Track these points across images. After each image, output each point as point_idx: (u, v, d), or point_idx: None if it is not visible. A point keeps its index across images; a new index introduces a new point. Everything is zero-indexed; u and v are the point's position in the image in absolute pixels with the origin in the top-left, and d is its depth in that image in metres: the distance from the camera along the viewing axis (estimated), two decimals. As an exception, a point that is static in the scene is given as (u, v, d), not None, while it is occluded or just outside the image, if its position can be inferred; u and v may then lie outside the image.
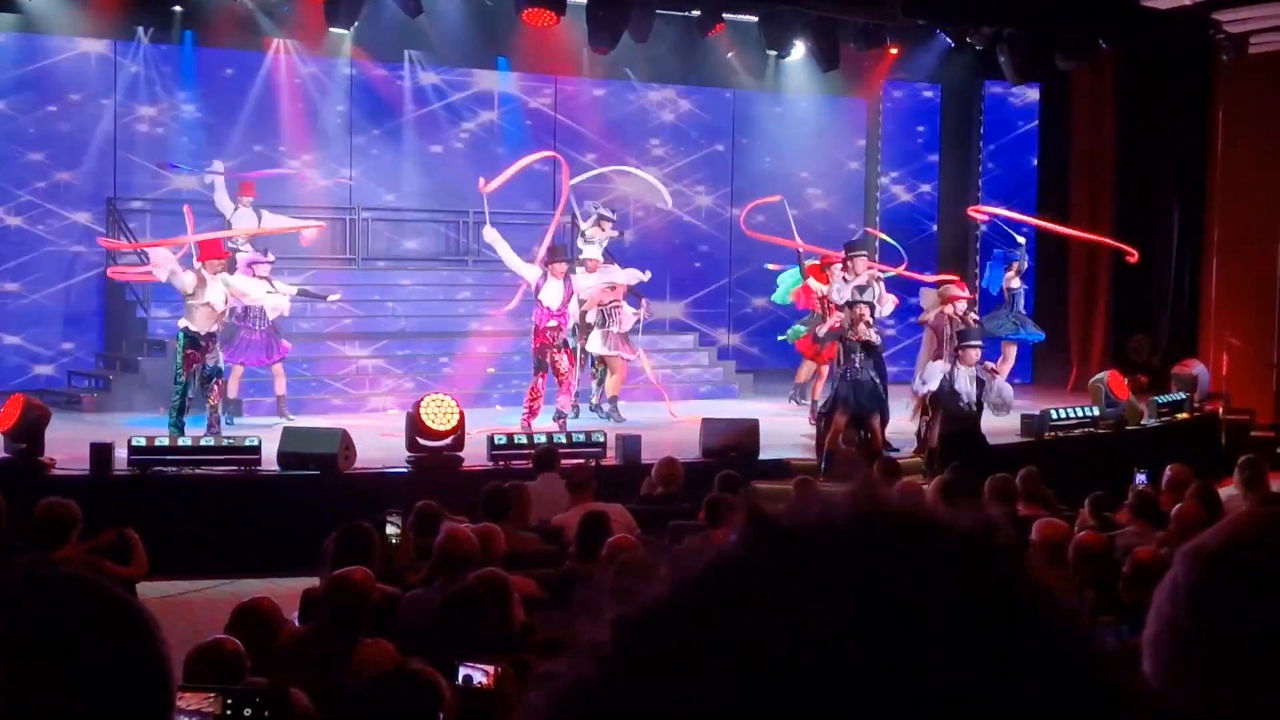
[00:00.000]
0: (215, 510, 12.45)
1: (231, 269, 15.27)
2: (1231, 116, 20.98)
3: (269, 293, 15.53)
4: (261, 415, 15.86)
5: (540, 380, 15.49)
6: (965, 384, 14.31)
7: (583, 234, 17.65)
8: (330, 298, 17.08)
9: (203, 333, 14.11)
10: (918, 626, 0.80)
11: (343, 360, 18.01)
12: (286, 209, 18.13)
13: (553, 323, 15.40)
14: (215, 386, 14.33)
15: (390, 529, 8.84)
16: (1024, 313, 18.83)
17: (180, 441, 12.92)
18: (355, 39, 18.95)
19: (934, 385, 14.14)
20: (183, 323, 14.25)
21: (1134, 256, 18.80)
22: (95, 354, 18.47)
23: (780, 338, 18.64)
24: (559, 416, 15.23)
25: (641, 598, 0.86)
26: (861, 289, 15.48)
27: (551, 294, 15.39)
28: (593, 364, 17.24)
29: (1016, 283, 18.75)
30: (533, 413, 15.23)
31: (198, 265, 14.33)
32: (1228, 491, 11.06)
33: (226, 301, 14.44)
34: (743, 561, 0.86)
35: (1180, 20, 19.13)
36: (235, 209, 17.10)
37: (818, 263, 17.06)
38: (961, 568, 0.83)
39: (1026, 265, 18.98)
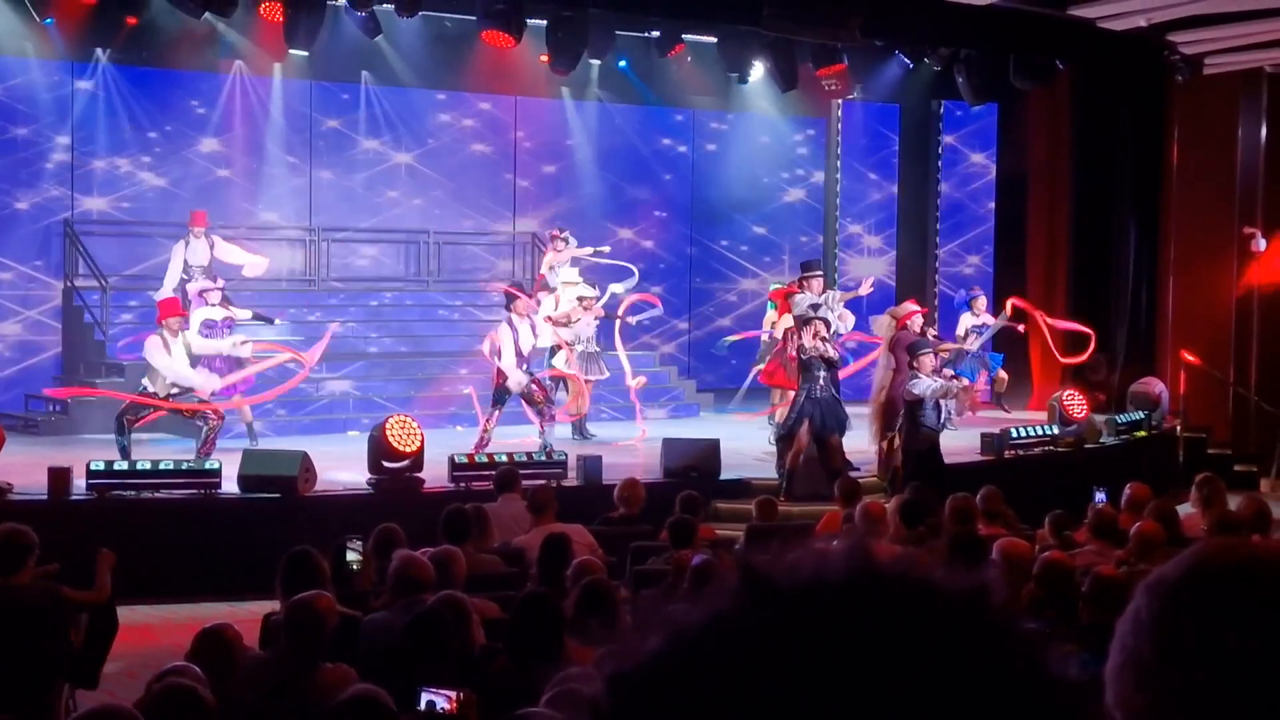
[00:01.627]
0: (175, 534, 12.37)
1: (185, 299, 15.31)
2: (1186, 136, 21.14)
3: (237, 344, 15.37)
4: (228, 439, 15.76)
5: (497, 414, 15.41)
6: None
7: (552, 267, 17.77)
8: (275, 321, 16.98)
9: (160, 394, 14.09)
10: (911, 693, 0.80)
11: (304, 382, 17.95)
12: (244, 230, 18.07)
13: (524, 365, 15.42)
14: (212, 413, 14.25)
15: (351, 554, 8.80)
16: (982, 353, 19.03)
17: (139, 465, 12.84)
18: (314, 60, 18.91)
19: (924, 389, 14.11)
20: (144, 380, 14.23)
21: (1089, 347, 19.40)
22: (53, 377, 18.34)
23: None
24: (547, 448, 15.08)
25: (637, 654, 0.86)
26: (816, 306, 15.51)
27: (525, 337, 15.39)
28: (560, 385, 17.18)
29: (971, 320, 18.90)
30: (483, 444, 15.14)
31: (159, 329, 14.25)
32: (1185, 509, 11.13)
33: (189, 360, 14.31)
34: (738, 621, 0.86)
35: (1136, 42, 19.27)
36: (186, 243, 17.00)
37: (782, 289, 17.06)
38: (956, 633, 0.83)
39: (986, 303, 19.19)
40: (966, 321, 19.04)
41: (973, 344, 18.90)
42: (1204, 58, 19.90)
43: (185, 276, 16.76)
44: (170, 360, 14.11)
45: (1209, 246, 21.02)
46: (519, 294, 15.81)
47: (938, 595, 0.86)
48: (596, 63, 19.52)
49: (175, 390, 14.20)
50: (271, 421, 16.94)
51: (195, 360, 14.52)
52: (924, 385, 14.07)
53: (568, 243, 18.13)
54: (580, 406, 17.23)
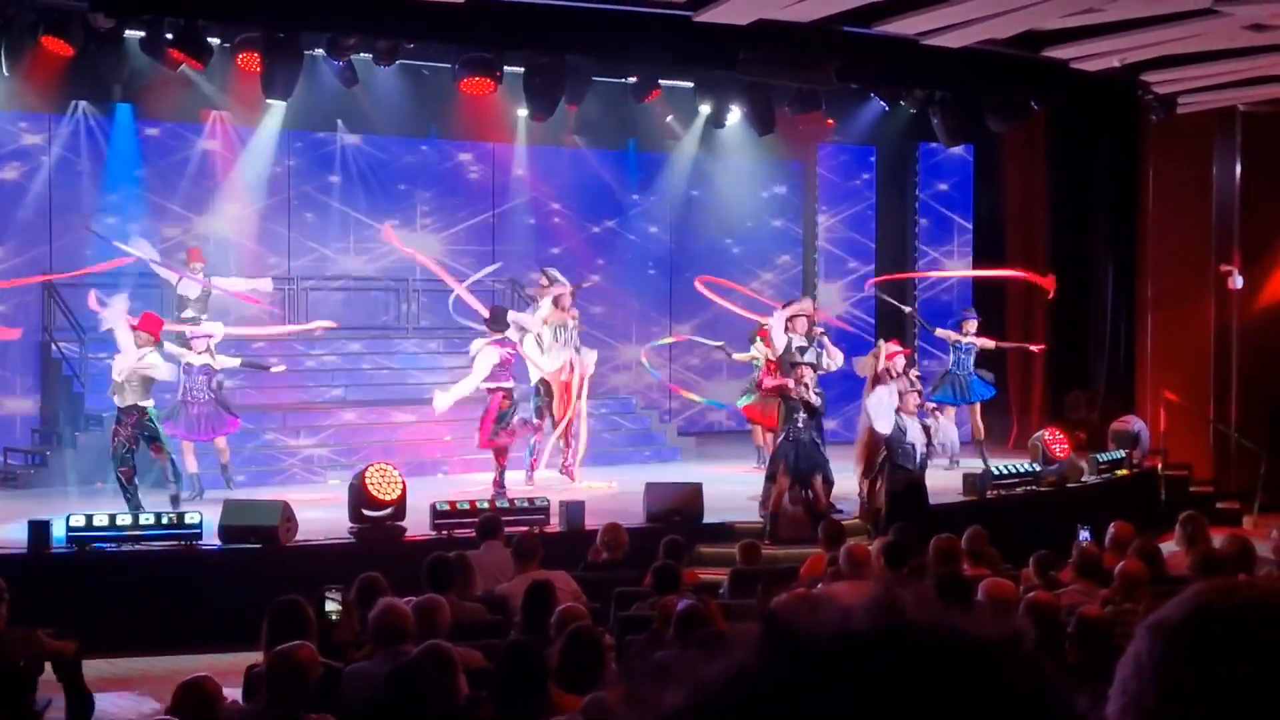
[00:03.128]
0: (156, 586, 12.30)
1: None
2: (1161, 175, 21.25)
3: (201, 352, 15.52)
4: (208, 489, 15.70)
5: (536, 425, 16.21)
6: (915, 433, 14.45)
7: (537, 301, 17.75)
8: (274, 369, 16.98)
9: (123, 406, 14.18)
10: None
11: (285, 432, 17.90)
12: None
13: (509, 383, 15.55)
14: (152, 449, 14.46)
15: (330, 605, 8.74)
16: (968, 374, 18.99)
17: (119, 518, 12.75)
18: (292, 109, 18.91)
19: (887, 426, 14.17)
20: (113, 396, 14.37)
21: (1050, 289, 19.42)
22: (32, 429, 18.26)
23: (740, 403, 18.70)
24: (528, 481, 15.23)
25: (660, 709, 0.84)
26: (803, 349, 15.50)
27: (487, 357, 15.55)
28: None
29: (963, 340, 18.88)
30: (537, 461, 16.13)
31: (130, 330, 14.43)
32: (1169, 547, 11.13)
33: (148, 372, 14.41)
34: (763, 675, 0.83)
35: (1110, 82, 19.38)
36: (180, 278, 17.02)
37: (766, 327, 17.07)
38: (987, 684, 0.81)
39: (975, 326, 19.13)
40: (954, 339, 19.00)
41: (963, 361, 18.91)
42: (1178, 97, 20.02)
43: (182, 313, 16.82)
44: (128, 356, 14.22)
45: (1186, 284, 21.10)
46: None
47: (968, 645, 0.84)
48: (573, 109, 19.55)
49: (133, 400, 14.23)
50: (251, 471, 16.89)
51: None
52: (883, 411, 14.16)
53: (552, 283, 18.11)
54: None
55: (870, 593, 0.87)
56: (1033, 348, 19.95)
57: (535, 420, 16.71)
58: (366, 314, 20.80)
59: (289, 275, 20.02)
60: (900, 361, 15.68)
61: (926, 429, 14.91)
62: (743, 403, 18.42)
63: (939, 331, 19.22)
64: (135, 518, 12.75)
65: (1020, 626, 0.87)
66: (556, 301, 16.92)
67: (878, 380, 15.16)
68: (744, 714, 0.81)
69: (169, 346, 15.24)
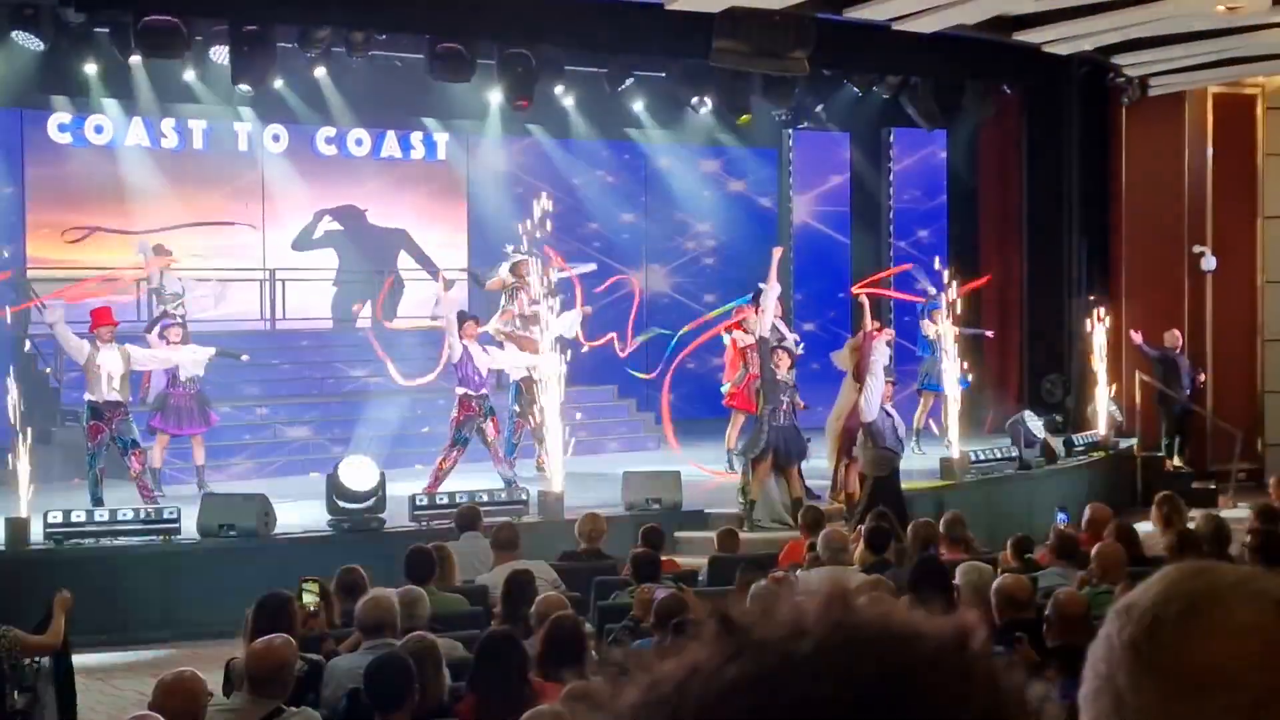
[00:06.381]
0: (135, 580, 12.29)
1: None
2: (1134, 156, 21.29)
3: (180, 351, 15.36)
4: (181, 484, 15.66)
5: (457, 454, 15.18)
6: (893, 418, 14.51)
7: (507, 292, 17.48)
8: (243, 356, 16.85)
9: (101, 401, 13.97)
10: None
11: (261, 424, 17.86)
12: (204, 271, 18.02)
13: (484, 391, 15.25)
14: (134, 457, 14.13)
15: (307, 597, 8.73)
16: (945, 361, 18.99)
17: (97, 514, 12.73)
18: (264, 101, 18.82)
19: (874, 414, 14.12)
20: (87, 395, 14.16)
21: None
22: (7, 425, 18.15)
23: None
24: (509, 485, 14.93)
25: (614, 706, 0.85)
26: (782, 337, 15.52)
27: (479, 358, 15.25)
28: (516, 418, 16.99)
29: (932, 330, 18.89)
30: (438, 482, 14.88)
31: (90, 335, 14.25)
32: (1145, 528, 11.19)
33: (127, 368, 14.24)
34: (715, 674, 0.84)
35: (1081, 65, 19.43)
36: (161, 275, 16.97)
37: (732, 320, 17.05)
38: (935, 684, 0.83)
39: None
40: (929, 330, 18.99)
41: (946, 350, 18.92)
42: (1149, 79, 20.07)
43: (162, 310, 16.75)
44: (116, 357, 14.06)
45: (1160, 265, 21.15)
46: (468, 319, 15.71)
47: (916, 644, 0.84)
48: (547, 97, 19.51)
49: (115, 395, 14.07)
50: (231, 464, 16.86)
51: (133, 375, 14.54)
52: (872, 402, 14.14)
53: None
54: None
55: (823, 590, 0.88)
56: (988, 333, 19.88)
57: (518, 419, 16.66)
58: (344, 306, 20.75)
59: (264, 266, 19.97)
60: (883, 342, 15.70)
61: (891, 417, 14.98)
62: (726, 388, 18.00)
63: (925, 325, 19.11)
64: (113, 513, 12.72)
65: (973, 623, 0.88)
66: (514, 269, 16.99)
67: (858, 371, 15.17)
68: (695, 712, 0.82)
69: (135, 352, 14.89)
